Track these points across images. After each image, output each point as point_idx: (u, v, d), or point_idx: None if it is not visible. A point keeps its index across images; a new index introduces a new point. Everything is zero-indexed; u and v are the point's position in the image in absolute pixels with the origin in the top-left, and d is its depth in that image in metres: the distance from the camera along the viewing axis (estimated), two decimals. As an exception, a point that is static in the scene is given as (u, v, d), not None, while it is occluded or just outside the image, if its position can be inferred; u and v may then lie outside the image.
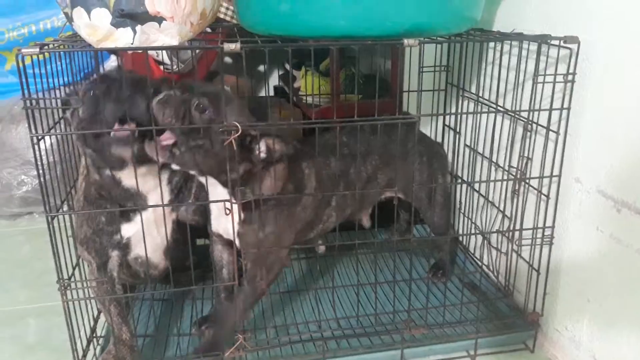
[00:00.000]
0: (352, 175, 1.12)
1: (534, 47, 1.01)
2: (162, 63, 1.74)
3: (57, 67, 1.01)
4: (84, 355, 1.01)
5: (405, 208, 1.45)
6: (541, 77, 0.99)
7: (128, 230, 0.98)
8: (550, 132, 1.02)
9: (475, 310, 1.15)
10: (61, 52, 0.93)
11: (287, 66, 2.18)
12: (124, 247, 0.99)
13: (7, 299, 1.34)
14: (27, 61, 0.81)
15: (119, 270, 1.00)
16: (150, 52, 1.70)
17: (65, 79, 1.07)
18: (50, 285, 0.92)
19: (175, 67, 1.69)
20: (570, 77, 0.97)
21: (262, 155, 0.90)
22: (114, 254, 0.99)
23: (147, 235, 0.94)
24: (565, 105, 0.99)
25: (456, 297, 1.25)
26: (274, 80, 2.39)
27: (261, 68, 2.40)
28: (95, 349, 1.04)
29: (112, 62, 1.89)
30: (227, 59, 2.27)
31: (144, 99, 0.86)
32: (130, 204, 0.95)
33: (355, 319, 1.15)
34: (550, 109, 0.99)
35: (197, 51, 1.73)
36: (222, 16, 1.49)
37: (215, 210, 0.99)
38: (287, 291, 1.27)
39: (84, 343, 1.03)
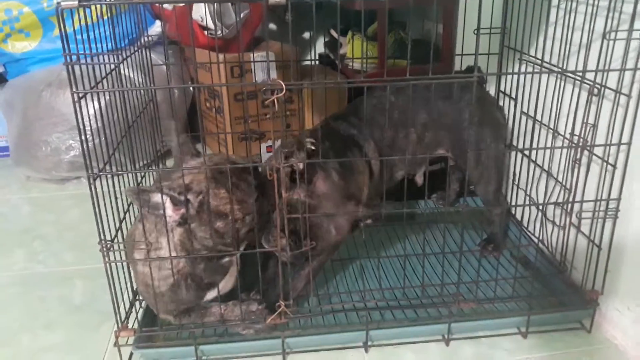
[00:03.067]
0: (401, 137, 1.09)
1: (604, 2, 0.92)
2: (206, 28, 1.71)
3: (102, 32, 0.99)
4: (127, 317, 1.01)
5: (456, 177, 1.39)
6: (612, 35, 0.90)
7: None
8: (621, 96, 0.93)
9: (529, 286, 1.09)
10: (105, 16, 0.91)
11: (333, 32, 2.12)
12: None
13: (55, 260, 1.36)
14: (71, 28, 0.79)
15: None
16: (194, 17, 1.68)
17: (110, 44, 1.05)
18: (96, 248, 0.92)
19: (219, 32, 1.66)
20: (647, 34, 0.88)
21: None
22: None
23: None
24: (640, 66, 0.90)
25: (508, 271, 1.19)
26: (319, 47, 2.34)
27: (306, 35, 2.34)
28: (137, 312, 1.04)
29: (156, 28, 1.88)
30: (272, 25, 2.23)
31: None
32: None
33: (401, 290, 1.11)
34: (622, 69, 0.91)
35: (241, 16, 1.69)
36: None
37: None
38: (331, 260, 1.24)
39: (127, 305, 1.03)
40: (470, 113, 1.15)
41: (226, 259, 0.96)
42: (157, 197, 0.85)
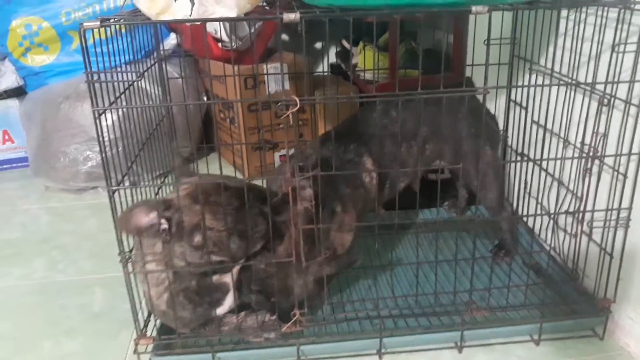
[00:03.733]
0: (404, 150, 1.13)
1: (613, 14, 0.93)
2: (220, 40, 1.74)
3: (120, 45, 1.02)
4: (145, 325, 1.04)
5: (464, 184, 1.41)
6: (621, 47, 0.91)
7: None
8: (631, 107, 0.94)
9: (541, 294, 1.10)
10: (122, 30, 0.94)
11: (345, 43, 2.15)
12: None
13: (74, 269, 1.39)
14: (90, 41, 0.83)
15: None
16: (208, 29, 1.71)
17: (127, 57, 1.08)
18: (114, 257, 0.94)
19: (233, 44, 1.70)
20: (655, 46, 0.89)
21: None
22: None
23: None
24: (649, 77, 0.91)
25: (520, 279, 1.20)
26: (330, 57, 2.37)
27: (318, 45, 2.37)
28: (155, 321, 1.06)
29: (171, 40, 1.92)
30: (284, 36, 2.26)
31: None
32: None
33: (414, 298, 1.12)
34: (632, 81, 0.92)
35: (255, 27, 1.72)
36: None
37: None
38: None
39: (145, 314, 1.06)
40: (468, 124, 1.18)
41: (215, 277, 0.97)
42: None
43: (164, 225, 0.88)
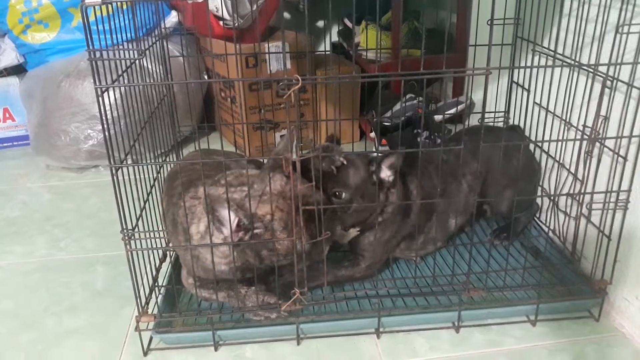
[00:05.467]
0: (453, 191, 1.18)
1: (618, -6, 0.93)
2: (221, 18, 1.73)
3: (121, 22, 1.02)
4: (147, 303, 1.05)
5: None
6: (626, 28, 0.90)
7: None
8: (633, 89, 0.94)
9: (538, 275, 1.11)
10: (123, 7, 0.93)
11: (347, 21, 2.13)
12: None
13: (76, 247, 1.41)
14: (91, 18, 0.82)
15: None
16: (209, 7, 1.69)
17: (129, 35, 1.07)
18: (116, 235, 0.95)
19: (235, 22, 1.68)
20: (659, 28, 0.88)
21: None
22: None
23: None
24: (652, 59, 0.91)
25: (518, 261, 1.21)
26: (332, 36, 2.34)
27: (320, 24, 2.35)
28: (157, 298, 1.08)
29: (172, 18, 1.90)
30: (286, 14, 2.24)
31: None
32: None
33: (412, 280, 1.14)
34: (635, 62, 0.91)
35: (257, 5, 1.71)
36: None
37: None
38: (344, 250, 1.26)
39: (147, 291, 1.07)
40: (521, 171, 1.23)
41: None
42: (225, 213, 0.89)
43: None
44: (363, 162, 1.05)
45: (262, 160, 0.92)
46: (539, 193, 1.30)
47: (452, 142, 1.26)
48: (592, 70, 1.02)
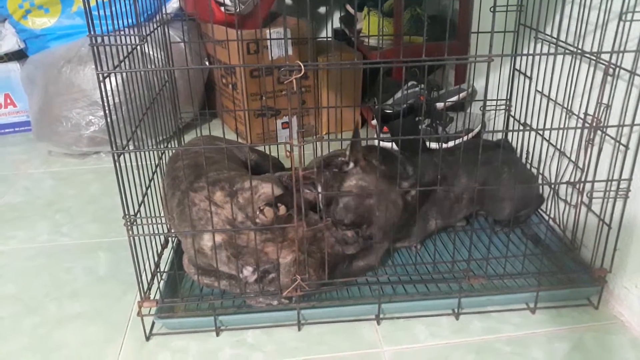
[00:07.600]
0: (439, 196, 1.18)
1: (622, -19, 0.92)
2: (222, 4, 1.72)
3: (122, 8, 1.01)
4: (149, 288, 1.05)
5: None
6: (629, 15, 0.90)
7: None
8: (635, 77, 0.94)
9: (538, 263, 1.11)
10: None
11: (349, 7, 2.11)
12: None
13: (78, 233, 1.41)
14: (92, 3, 0.82)
15: None
16: (211, -8, 1.68)
17: (130, 20, 1.07)
18: (118, 221, 0.95)
19: (236, 7, 1.67)
20: (663, 16, 0.88)
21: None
22: None
23: None
24: (655, 47, 0.90)
25: (519, 249, 1.21)
26: (334, 23, 2.33)
27: (322, 10, 2.34)
28: (159, 283, 1.08)
29: (173, 4, 1.89)
30: (288, 0, 2.22)
31: None
32: None
33: (413, 267, 1.14)
34: (638, 50, 0.91)
35: (258, -9, 1.70)
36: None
37: None
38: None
39: (149, 277, 1.08)
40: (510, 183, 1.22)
41: None
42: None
43: None
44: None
45: (263, 147, 0.92)
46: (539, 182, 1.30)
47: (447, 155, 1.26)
48: (594, 58, 1.02)
